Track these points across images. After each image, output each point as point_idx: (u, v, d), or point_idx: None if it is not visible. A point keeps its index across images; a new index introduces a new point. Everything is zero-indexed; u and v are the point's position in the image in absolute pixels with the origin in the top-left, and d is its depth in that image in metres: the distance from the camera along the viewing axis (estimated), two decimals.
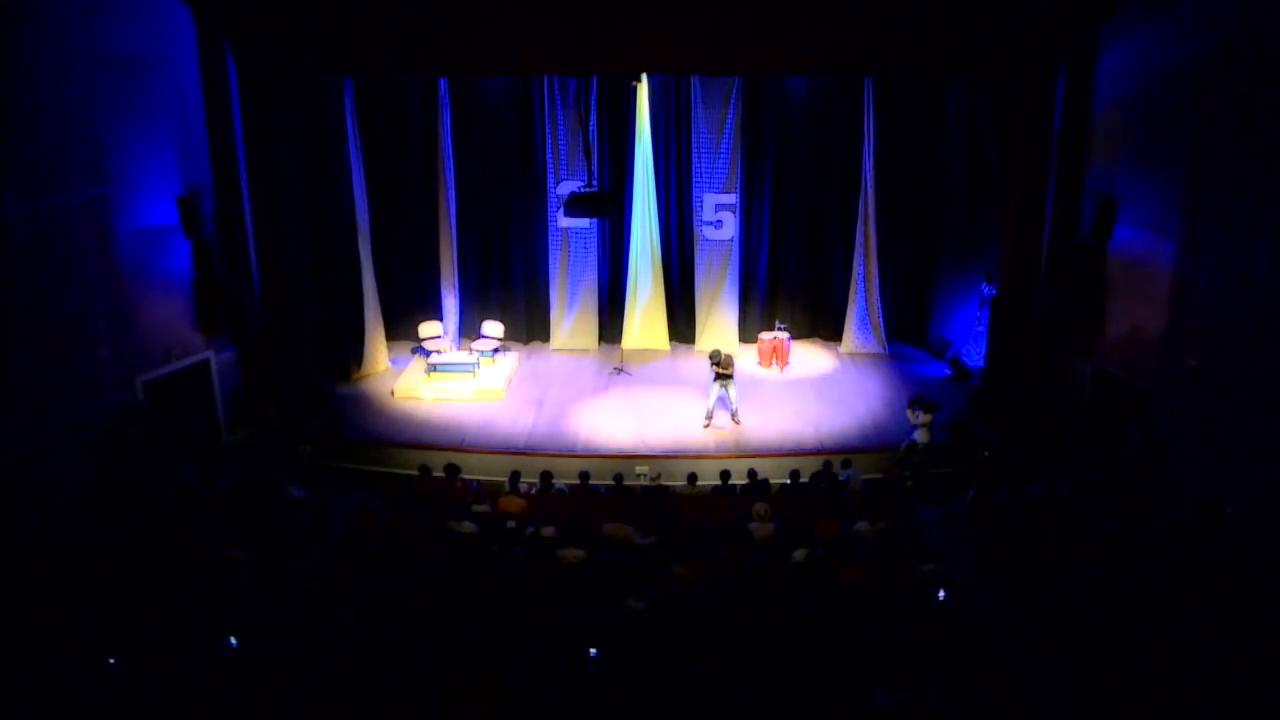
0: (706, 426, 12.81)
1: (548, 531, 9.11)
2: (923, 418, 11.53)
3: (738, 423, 12.86)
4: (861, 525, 9.20)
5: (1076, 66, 11.48)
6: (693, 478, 10.74)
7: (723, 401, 12.88)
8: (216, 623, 7.18)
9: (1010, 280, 12.51)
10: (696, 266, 15.54)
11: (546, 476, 10.72)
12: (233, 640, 6.88)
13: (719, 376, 12.66)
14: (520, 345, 15.96)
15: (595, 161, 14.25)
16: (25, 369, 9.55)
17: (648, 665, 6.59)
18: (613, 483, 10.88)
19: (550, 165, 15.09)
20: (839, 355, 15.65)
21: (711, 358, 12.75)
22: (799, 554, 8.55)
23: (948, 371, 14.69)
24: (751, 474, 10.82)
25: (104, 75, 10.30)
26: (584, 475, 10.86)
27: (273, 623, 7.41)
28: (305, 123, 13.22)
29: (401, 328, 15.49)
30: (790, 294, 16.06)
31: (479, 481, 11.14)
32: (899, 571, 8.29)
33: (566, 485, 10.82)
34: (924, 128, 14.91)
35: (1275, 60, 8.92)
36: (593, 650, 6.67)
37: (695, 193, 15.21)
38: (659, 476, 11.36)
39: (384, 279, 14.74)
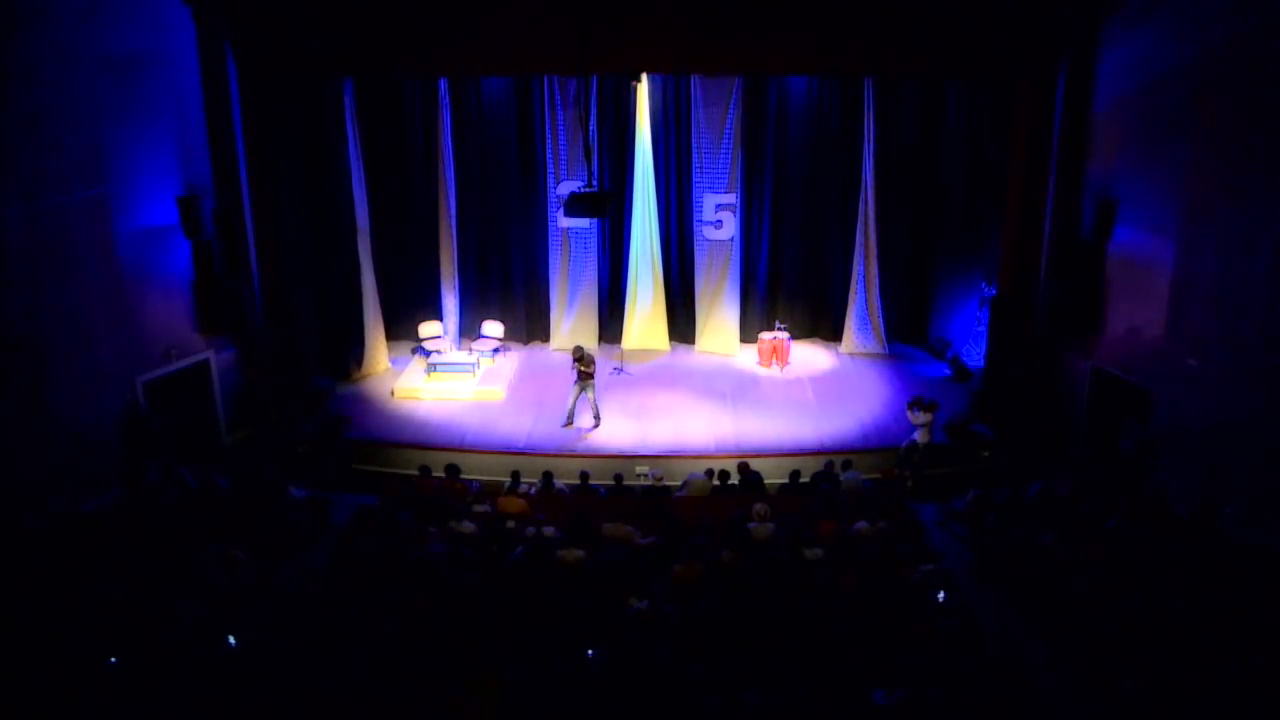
0: (566, 426, 12.76)
1: (548, 531, 9.11)
2: (922, 418, 11.54)
3: (597, 423, 12.76)
4: (861, 525, 9.20)
5: (1077, 65, 11.48)
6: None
7: (584, 403, 12.79)
8: (216, 623, 7.19)
9: (1010, 280, 12.51)
10: (696, 266, 15.53)
11: (547, 476, 10.72)
12: (232, 640, 6.88)
13: (581, 376, 12.59)
14: (520, 345, 15.96)
15: (595, 161, 14.22)
16: (25, 369, 9.55)
17: (648, 665, 6.59)
18: (613, 483, 10.89)
19: (550, 165, 15.09)
20: (839, 355, 15.66)
21: (574, 354, 12.66)
22: (800, 554, 8.55)
23: (948, 371, 14.69)
24: (743, 467, 10.85)
25: (104, 75, 10.29)
26: (584, 475, 10.87)
27: (272, 623, 7.41)
28: (305, 123, 13.23)
29: (401, 328, 15.50)
30: (790, 294, 16.06)
31: (479, 481, 11.14)
32: (899, 571, 8.29)
33: (566, 485, 10.82)
34: (924, 128, 14.90)
35: (1276, 59, 8.92)
36: (591, 650, 6.67)
37: (695, 193, 15.19)
38: (661, 477, 11.35)
39: (384, 279, 14.74)
